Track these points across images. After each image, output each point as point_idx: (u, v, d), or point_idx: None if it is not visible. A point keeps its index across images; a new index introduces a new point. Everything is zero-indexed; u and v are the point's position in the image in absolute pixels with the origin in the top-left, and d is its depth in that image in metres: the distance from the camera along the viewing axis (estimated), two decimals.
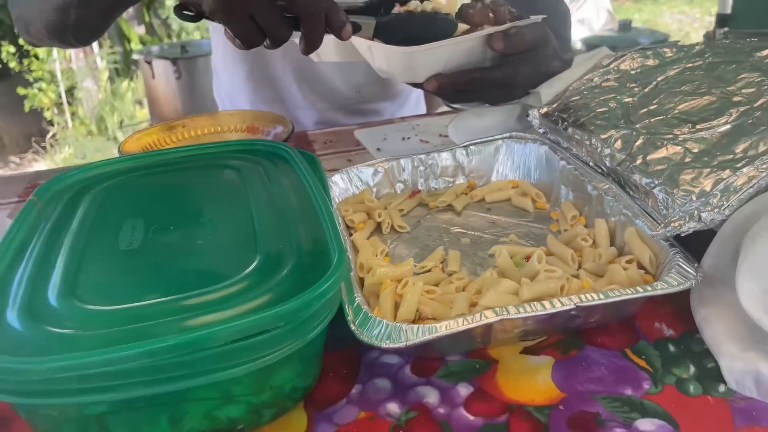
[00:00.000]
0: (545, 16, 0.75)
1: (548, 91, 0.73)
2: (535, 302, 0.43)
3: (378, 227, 0.65)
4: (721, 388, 0.42)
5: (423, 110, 1.27)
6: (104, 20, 0.80)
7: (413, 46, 0.68)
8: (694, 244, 0.48)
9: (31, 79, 6.87)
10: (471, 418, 0.41)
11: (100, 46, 7.43)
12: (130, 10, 8.76)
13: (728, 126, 0.53)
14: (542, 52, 0.74)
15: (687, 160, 0.52)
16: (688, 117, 0.57)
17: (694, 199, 0.48)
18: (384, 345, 0.41)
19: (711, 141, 0.53)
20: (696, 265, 0.46)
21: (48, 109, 6.93)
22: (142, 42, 8.16)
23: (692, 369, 0.44)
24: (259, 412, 0.41)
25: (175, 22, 8.29)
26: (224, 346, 0.35)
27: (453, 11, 0.73)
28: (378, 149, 0.87)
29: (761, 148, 0.49)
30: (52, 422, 0.39)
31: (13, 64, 6.79)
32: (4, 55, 6.79)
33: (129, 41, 7.97)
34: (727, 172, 0.48)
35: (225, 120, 0.89)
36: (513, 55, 0.72)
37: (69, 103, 6.89)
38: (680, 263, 0.46)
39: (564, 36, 0.97)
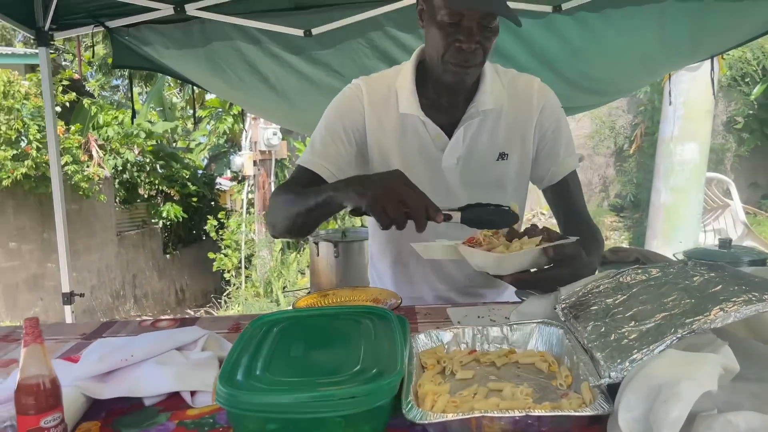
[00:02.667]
0: (578, 237, 1.14)
1: (568, 290, 1.09)
2: (508, 410, 0.77)
3: (443, 370, 1.02)
4: None
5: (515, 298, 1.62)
6: (319, 224, 1.34)
7: (501, 253, 1.10)
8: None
9: (221, 247, 8.25)
10: None
11: None
12: None
13: (652, 325, 0.86)
14: (576, 262, 1.13)
15: (623, 342, 0.85)
16: (634, 317, 0.90)
17: (615, 365, 0.81)
18: (417, 421, 0.78)
19: (641, 332, 0.86)
20: (610, 403, 0.77)
21: (228, 272, 8.17)
22: None
23: None
24: None
25: None
26: (334, 402, 0.74)
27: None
28: (458, 322, 1.25)
29: (657, 342, 0.81)
30: (249, 430, 0.79)
31: (212, 233, 8.23)
32: (208, 226, 8.28)
33: None
34: (636, 353, 0.81)
35: (360, 293, 1.34)
36: (557, 262, 1.10)
37: (246, 268, 8.08)
38: (600, 401, 0.78)
39: (594, 253, 1.33)
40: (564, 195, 1.47)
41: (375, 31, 2.66)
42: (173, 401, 0.94)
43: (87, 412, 0.91)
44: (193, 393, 0.95)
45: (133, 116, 3.33)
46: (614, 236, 9.57)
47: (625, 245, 9.07)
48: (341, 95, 1.44)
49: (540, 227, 1.21)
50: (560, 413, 0.77)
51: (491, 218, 1.16)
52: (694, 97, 6.42)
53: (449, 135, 1.39)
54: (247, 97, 3.22)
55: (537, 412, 0.77)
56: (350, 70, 2.80)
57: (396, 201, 1.08)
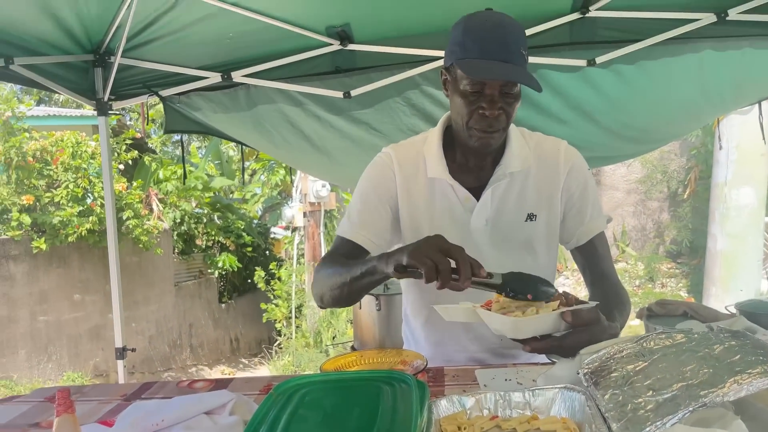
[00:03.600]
0: (598, 302, 1.14)
1: (591, 354, 1.08)
2: None
3: None
4: None
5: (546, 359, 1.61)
6: (365, 293, 1.39)
7: (517, 317, 1.11)
8: None
9: (272, 297, 8.40)
10: None
11: None
12: None
13: (668, 395, 0.85)
14: (595, 327, 1.12)
15: (639, 413, 0.84)
16: (652, 386, 0.89)
17: None
18: None
19: (657, 403, 0.85)
20: None
21: (279, 322, 8.29)
22: None
23: None
24: None
25: None
26: None
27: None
28: (485, 385, 1.25)
29: (671, 414, 0.80)
30: None
31: (260, 284, 8.41)
32: (256, 277, 8.47)
33: None
34: (649, 425, 0.80)
35: (388, 356, 1.36)
36: (576, 327, 1.10)
37: (296, 317, 8.18)
38: None
39: (618, 318, 1.31)
40: (591, 256, 1.47)
41: (411, 90, 2.74)
42: None
43: None
44: None
45: (185, 178, 3.51)
46: (671, 283, 9.20)
47: (681, 293, 8.72)
48: (372, 165, 1.50)
49: (560, 291, 1.21)
50: None
51: (534, 291, 1.15)
52: (746, 140, 6.22)
53: (477, 197, 1.42)
54: (292, 156, 3.35)
55: None
56: (389, 128, 2.88)
57: (438, 250, 1.10)
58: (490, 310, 1.16)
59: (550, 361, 1.38)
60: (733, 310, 1.69)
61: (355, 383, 1.08)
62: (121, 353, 2.84)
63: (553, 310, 1.12)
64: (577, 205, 1.44)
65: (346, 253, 1.43)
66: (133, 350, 2.89)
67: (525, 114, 2.65)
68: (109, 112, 2.81)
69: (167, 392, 1.37)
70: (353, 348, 3.42)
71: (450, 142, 1.44)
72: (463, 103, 1.30)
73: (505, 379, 1.29)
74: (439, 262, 1.08)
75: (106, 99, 2.77)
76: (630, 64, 2.55)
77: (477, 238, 1.43)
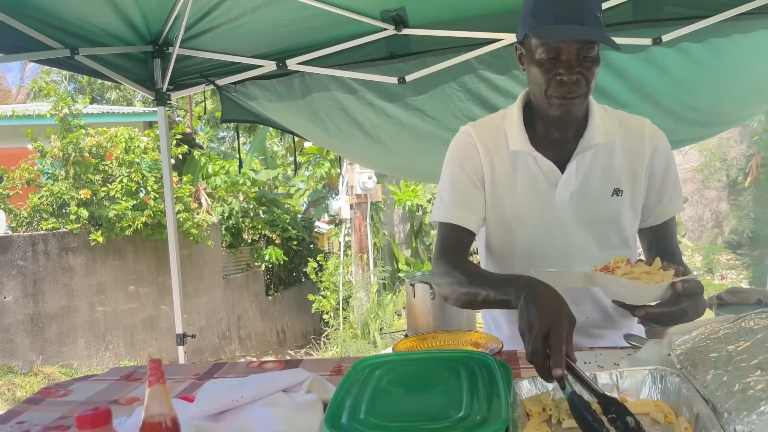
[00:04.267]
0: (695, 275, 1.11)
1: (680, 334, 1.03)
2: None
3: (549, 419, 0.98)
4: None
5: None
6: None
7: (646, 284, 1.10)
8: None
9: (320, 288, 8.48)
10: None
11: (375, 264, 8.91)
12: (402, 235, 10.25)
13: None
14: (699, 299, 1.11)
15: (749, 393, 0.79)
16: (760, 365, 0.83)
17: (741, 418, 0.75)
18: None
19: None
20: None
21: (327, 313, 8.35)
22: (407, 263, 9.51)
23: None
24: None
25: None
26: None
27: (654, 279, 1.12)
28: None
29: None
30: None
31: (312, 275, 8.50)
32: (308, 268, 8.55)
33: (397, 262, 9.38)
34: (765, 405, 0.75)
35: (460, 336, 1.32)
36: (684, 298, 1.08)
37: (344, 309, 8.22)
38: None
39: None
40: (663, 236, 1.43)
41: (467, 75, 2.69)
42: None
43: None
44: None
45: (240, 165, 3.55)
46: (731, 275, 8.88)
47: (744, 285, 8.40)
48: (454, 145, 1.47)
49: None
50: None
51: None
52: None
53: (561, 171, 1.37)
54: (344, 145, 3.34)
55: None
56: (443, 114, 2.84)
57: (543, 335, 0.96)
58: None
59: (629, 345, 1.32)
60: None
61: (435, 362, 1.05)
62: (181, 339, 2.89)
63: (668, 280, 1.11)
64: (659, 183, 1.40)
65: (455, 240, 1.40)
66: (193, 336, 2.94)
67: None
68: (168, 102, 2.85)
69: (238, 372, 1.37)
70: (406, 336, 3.39)
71: (529, 118, 1.40)
72: (540, 72, 1.26)
73: (585, 362, 1.24)
74: (536, 349, 0.95)
75: (164, 89, 2.81)
76: (698, 42, 2.44)
77: (561, 213, 1.38)
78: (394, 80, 2.70)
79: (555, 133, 1.36)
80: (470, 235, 1.41)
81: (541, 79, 1.26)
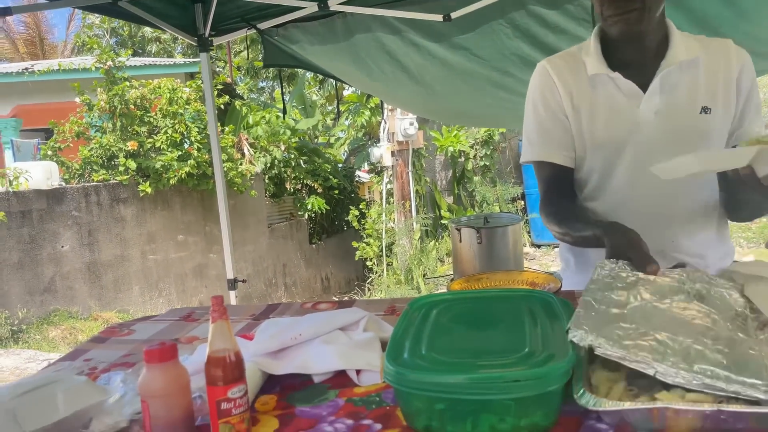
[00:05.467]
0: None
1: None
2: (697, 403, 0.70)
3: None
4: None
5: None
6: None
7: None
8: None
9: (363, 235, 8.54)
10: None
11: (417, 211, 8.89)
12: (444, 182, 10.18)
13: None
14: None
15: None
16: None
17: None
18: (591, 407, 0.73)
19: None
20: None
21: (370, 260, 8.43)
22: (449, 209, 9.47)
23: None
24: (518, 431, 0.76)
25: (478, 194, 9.45)
26: (505, 384, 0.72)
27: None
28: None
29: None
30: (417, 409, 0.79)
31: (354, 224, 8.56)
32: (350, 216, 8.61)
33: (440, 209, 9.34)
34: None
35: (515, 276, 1.30)
36: None
37: (387, 256, 8.28)
38: None
39: None
40: None
41: (517, 11, 2.57)
42: (340, 379, 0.98)
43: (263, 386, 0.97)
44: (358, 372, 0.98)
45: (284, 112, 3.52)
46: None
47: None
48: (532, 84, 1.45)
49: None
50: (761, 410, 0.69)
51: None
52: None
53: (644, 91, 1.31)
54: (387, 88, 3.27)
55: (732, 408, 0.69)
56: (491, 53, 2.74)
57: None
58: None
59: None
60: None
61: (494, 300, 1.04)
62: (233, 284, 2.95)
63: None
64: (742, 105, 1.33)
65: (548, 178, 1.41)
66: (244, 281, 3.00)
67: None
68: (210, 48, 2.83)
69: (293, 312, 1.39)
70: (452, 281, 3.39)
71: (606, 49, 1.35)
72: None
73: None
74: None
75: (206, 35, 2.78)
76: None
77: (646, 132, 1.32)
78: (439, 17, 2.60)
79: (630, 54, 1.31)
80: (563, 171, 1.39)
81: (597, 4, 1.24)
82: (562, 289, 1.26)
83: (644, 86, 1.30)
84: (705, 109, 1.29)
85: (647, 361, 0.76)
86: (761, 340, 0.87)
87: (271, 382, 0.99)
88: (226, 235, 3.02)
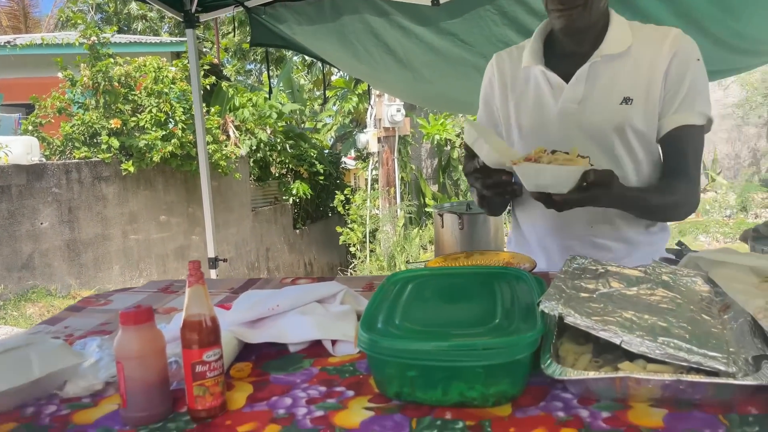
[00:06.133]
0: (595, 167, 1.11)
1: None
2: (657, 373, 0.73)
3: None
4: None
5: (655, 257, 1.48)
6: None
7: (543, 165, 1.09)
8: None
9: (348, 221, 8.54)
10: (606, 427, 0.71)
11: (402, 198, 8.92)
12: (429, 170, 10.19)
13: None
14: (607, 189, 1.12)
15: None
16: None
17: None
18: (556, 377, 0.76)
19: None
20: None
21: (354, 246, 8.46)
22: (434, 197, 9.50)
23: None
24: (486, 399, 0.78)
25: (463, 183, 9.48)
26: (474, 351, 0.74)
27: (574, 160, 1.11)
28: None
29: None
30: (389, 376, 0.81)
31: (339, 209, 8.55)
32: (336, 201, 8.60)
33: (424, 196, 9.38)
34: None
35: (491, 257, 1.32)
36: (591, 185, 1.09)
37: (371, 242, 8.30)
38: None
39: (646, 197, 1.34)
40: (668, 151, 1.35)
41: None
42: (315, 349, 0.99)
43: (239, 355, 0.99)
44: (333, 342, 0.99)
45: (270, 92, 3.51)
46: (766, 214, 8.68)
47: None
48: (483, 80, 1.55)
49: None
50: (719, 380, 0.71)
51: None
52: None
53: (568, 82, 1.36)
54: (374, 72, 3.27)
55: (691, 378, 0.72)
56: (478, 39, 2.75)
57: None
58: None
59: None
60: None
61: (469, 276, 1.05)
62: (213, 263, 2.95)
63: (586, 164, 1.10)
64: (671, 92, 1.30)
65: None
66: (225, 260, 3.00)
67: None
68: (197, 24, 2.80)
69: (272, 287, 1.40)
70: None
71: (551, 40, 1.42)
72: None
73: None
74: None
75: (193, 10, 2.76)
76: None
77: (565, 122, 1.36)
78: (427, 2, 2.61)
79: (570, 46, 1.36)
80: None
81: None
82: (535, 270, 1.29)
83: (571, 77, 1.34)
84: (626, 100, 1.31)
85: (614, 331, 0.78)
86: (725, 319, 0.90)
87: (247, 351, 1.00)
88: (209, 215, 3.02)
